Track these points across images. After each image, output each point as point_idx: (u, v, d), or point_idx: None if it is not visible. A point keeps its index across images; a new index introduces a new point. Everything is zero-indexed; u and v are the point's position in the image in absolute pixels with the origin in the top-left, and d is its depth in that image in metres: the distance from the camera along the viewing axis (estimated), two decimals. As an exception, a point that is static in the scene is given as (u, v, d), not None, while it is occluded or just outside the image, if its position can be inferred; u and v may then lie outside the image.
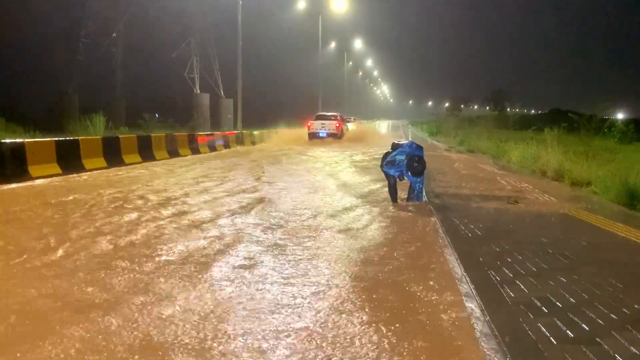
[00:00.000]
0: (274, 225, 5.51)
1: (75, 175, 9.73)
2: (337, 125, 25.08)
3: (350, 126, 31.31)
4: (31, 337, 2.66)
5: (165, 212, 6.04)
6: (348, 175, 10.77)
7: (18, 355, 2.48)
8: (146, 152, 13.49)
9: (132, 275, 3.71)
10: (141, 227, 5.27)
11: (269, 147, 20.70)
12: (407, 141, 7.42)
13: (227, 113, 34.86)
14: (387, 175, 7.12)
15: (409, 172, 6.91)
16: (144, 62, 34.27)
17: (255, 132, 24.16)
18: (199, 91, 35.03)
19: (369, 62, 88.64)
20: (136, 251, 4.35)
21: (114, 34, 33.84)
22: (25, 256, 4.13)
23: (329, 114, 27.89)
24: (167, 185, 8.52)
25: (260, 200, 7.06)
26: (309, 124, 25.32)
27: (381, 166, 7.19)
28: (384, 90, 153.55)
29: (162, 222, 5.50)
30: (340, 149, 19.37)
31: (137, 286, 3.48)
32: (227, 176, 9.97)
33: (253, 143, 22.34)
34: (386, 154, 7.16)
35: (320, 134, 24.28)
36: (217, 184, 8.81)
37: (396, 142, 7.38)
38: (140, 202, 6.77)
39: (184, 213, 6.04)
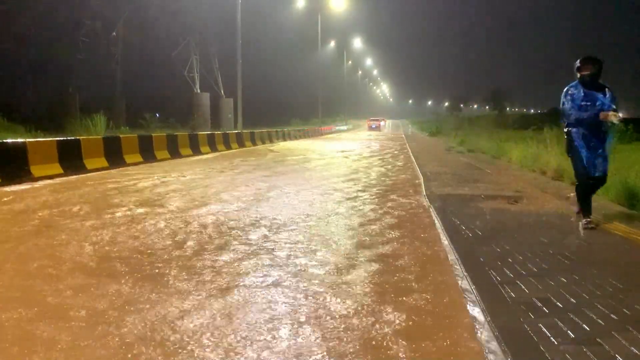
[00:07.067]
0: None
1: (78, 175, 9.72)
2: (381, 123, 56.66)
3: (383, 124, 62.89)
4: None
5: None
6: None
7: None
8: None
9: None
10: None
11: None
12: None
13: (228, 112, 34.85)
14: None
15: None
16: (143, 61, 34.27)
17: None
18: (199, 90, 35.02)
19: (369, 62, 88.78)
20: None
21: (114, 33, 33.87)
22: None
23: (376, 117, 60.82)
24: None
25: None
26: (368, 122, 58.15)
27: None
28: (383, 90, 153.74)
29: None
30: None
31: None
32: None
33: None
34: None
35: (373, 127, 55.42)
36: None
37: None
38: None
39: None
